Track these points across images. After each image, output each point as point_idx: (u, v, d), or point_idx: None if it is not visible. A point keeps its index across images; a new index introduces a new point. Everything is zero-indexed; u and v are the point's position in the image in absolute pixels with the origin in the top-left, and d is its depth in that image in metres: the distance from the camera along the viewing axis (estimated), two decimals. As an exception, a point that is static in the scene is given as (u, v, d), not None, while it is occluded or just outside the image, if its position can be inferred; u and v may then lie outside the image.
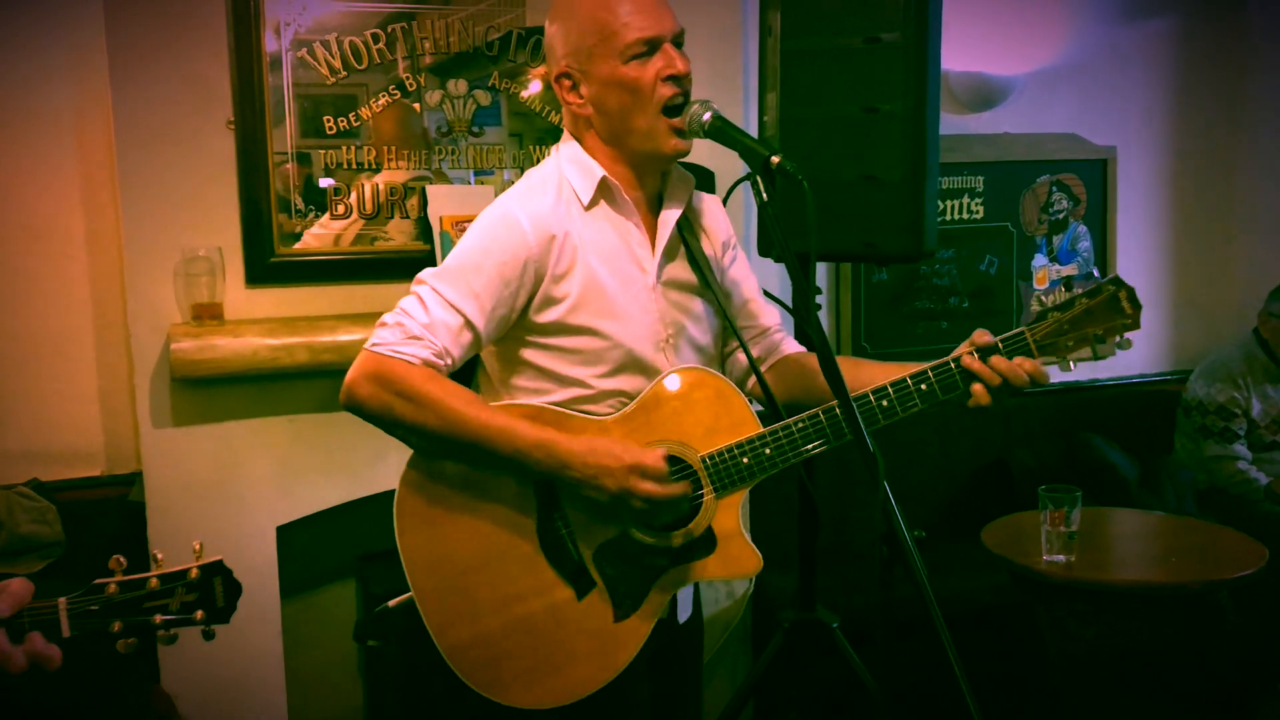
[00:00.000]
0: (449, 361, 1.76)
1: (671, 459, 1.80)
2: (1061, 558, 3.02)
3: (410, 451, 1.84)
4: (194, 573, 1.47)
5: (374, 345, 1.74)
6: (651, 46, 1.79)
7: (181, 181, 2.98)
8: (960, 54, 4.16)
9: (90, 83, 3.13)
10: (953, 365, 1.77)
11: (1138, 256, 4.71)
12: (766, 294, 2.17)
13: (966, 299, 4.35)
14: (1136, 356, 4.73)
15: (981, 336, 1.79)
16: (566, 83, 1.85)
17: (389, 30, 3.13)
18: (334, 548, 3.40)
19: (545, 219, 1.80)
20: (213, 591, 1.48)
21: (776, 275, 3.65)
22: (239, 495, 3.03)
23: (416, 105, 3.20)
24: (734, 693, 3.28)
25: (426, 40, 3.18)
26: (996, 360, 1.75)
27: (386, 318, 1.77)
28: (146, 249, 2.95)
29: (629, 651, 1.82)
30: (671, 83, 1.79)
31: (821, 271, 4.14)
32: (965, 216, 4.36)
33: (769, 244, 2.90)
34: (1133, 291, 1.81)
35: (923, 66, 2.65)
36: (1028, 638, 3.38)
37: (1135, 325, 1.81)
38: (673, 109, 1.81)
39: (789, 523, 3.12)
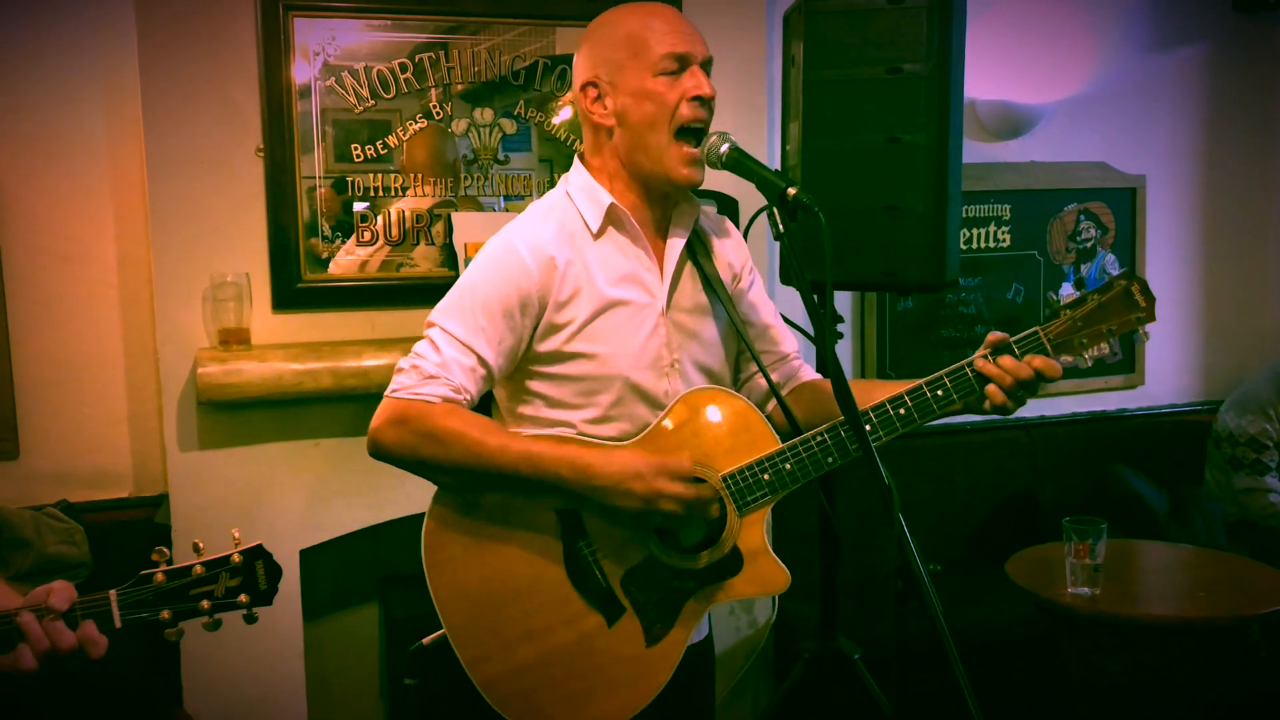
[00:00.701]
0: (467, 397, 1.79)
1: (693, 480, 1.81)
2: (1086, 590, 2.98)
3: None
4: (236, 558, 1.52)
5: (393, 391, 1.78)
6: (682, 64, 1.82)
7: (211, 207, 3.02)
8: (987, 83, 4.17)
9: (123, 110, 3.19)
10: (967, 369, 1.79)
11: (1167, 286, 4.67)
12: (789, 322, 2.17)
13: (993, 328, 4.31)
14: (1165, 386, 4.69)
15: (996, 337, 1.81)
16: (592, 92, 1.87)
17: (416, 60, 3.17)
18: (357, 571, 3.42)
19: (546, 247, 1.81)
20: (255, 575, 1.53)
21: (800, 304, 3.65)
22: (263, 518, 3.06)
23: (450, 130, 3.23)
24: (755, 723, 3.26)
25: (454, 69, 3.21)
26: (1005, 359, 1.77)
27: (402, 363, 1.80)
28: (176, 274, 3.00)
29: (663, 676, 1.83)
30: (697, 104, 1.82)
31: (846, 300, 4.13)
32: (992, 245, 4.35)
33: (790, 274, 2.91)
34: (1145, 284, 1.80)
35: (945, 97, 2.66)
36: (1053, 671, 3.34)
37: (1150, 318, 1.80)
38: (688, 133, 1.82)
39: (811, 552, 3.10)
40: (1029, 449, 4.29)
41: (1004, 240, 4.37)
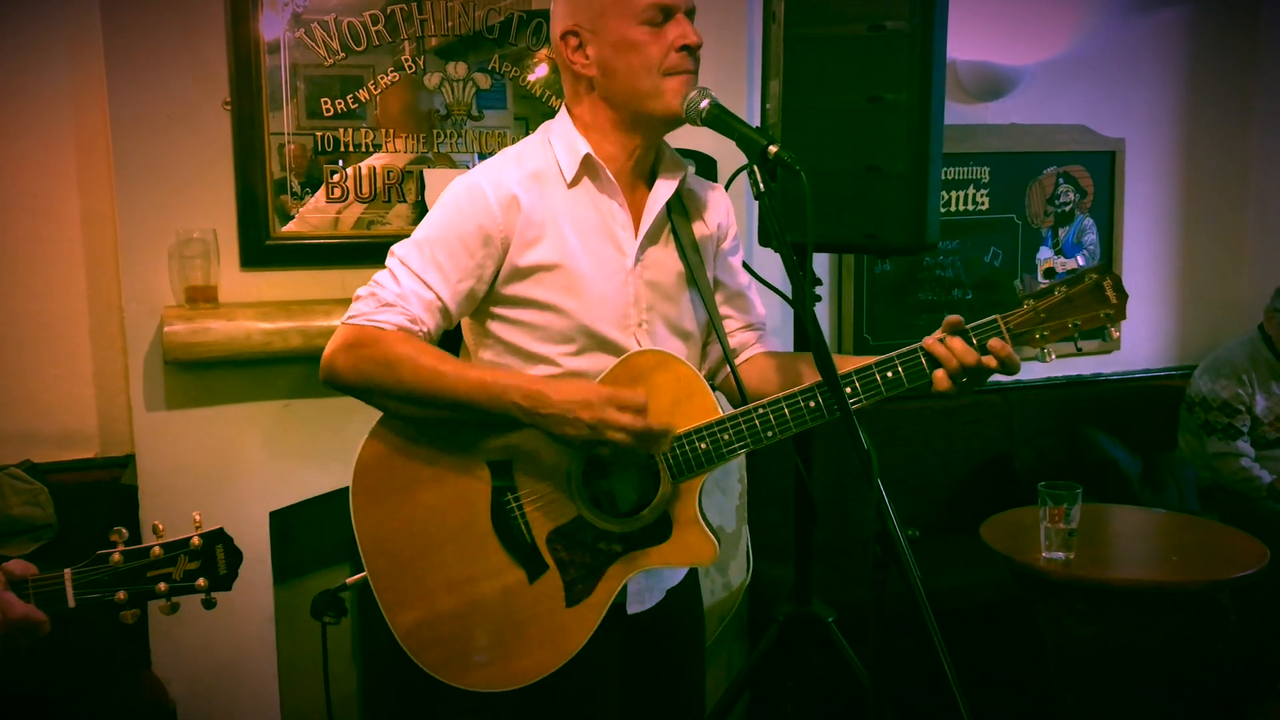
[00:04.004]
0: (423, 329, 1.76)
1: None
2: (1060, 555, 2.99)
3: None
4: (196, 541, 1.51)
5: (349, 318, 1.76)
6: (666, 14, 1.76)
7: (178, 163, 2.95)
8: (969, 43, 4.13)
9: (87, 61, 3.11)
10: (920, 352, 1.74)
11: (1144, 250, 4.67)
12: (764, 283, 2.14)
13: (970, 291, 4.32)
14: (1141, 351, 4.70)
15: (954, 320, 1.75)
16: (573, 40, 1.80)
17: (388, 11, 3.10)
18: (327, 533, 3.38)
19: (509, 187, 1.78)
20: (214, 559, 1.52)
21: (778, 265, 3.61)
22: (232, 479, 3.02)
23: (423, 85, 3.16)
24: (728, 685, 3.26)
25: (427, 22, 3.14)
26: (955, 342, 1.72)
27: (360, 291, 1.79)
28: (141, 230, 2.93)
29: (579, 638, 1.80)
30: (684, 54, 1.77)
31: (824, 262, 4.10)
32: (970, 208, 4.32)
33: (769, 234, 2.87)
34: (1118, 280, 1.73)
35: (928, 56, 2.61)
36: (1027, 635, 3.35)
37: (1120, 316, 1.72)
38: (674, 74, 1.78)
39: (786, 516, 3.10)
40: (1005, 413, 4.29)
41: (983, 203, 4.35)
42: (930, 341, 1.73)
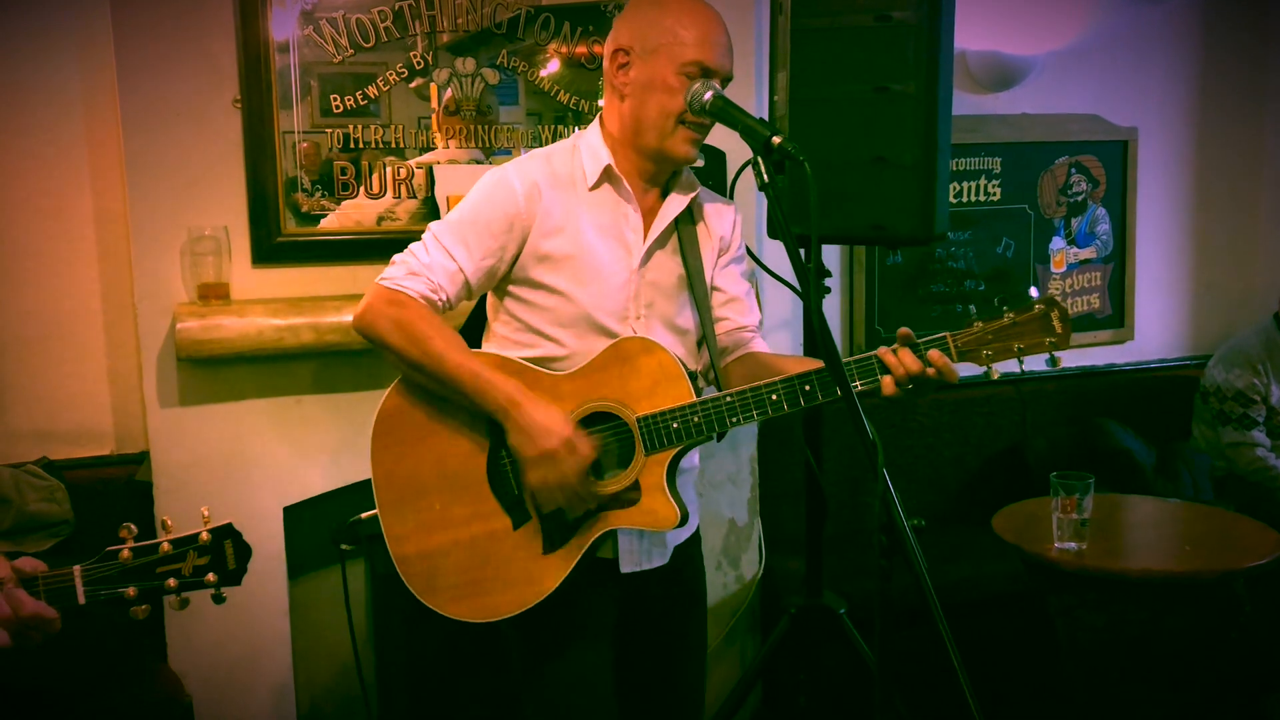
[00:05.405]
0: (444, 298, 2.00)
1: (609, 415, 2.00)
2: (1073, 545, 2.98)
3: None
4: (204, 536, 1.53)
5: (383, 279, 2.00)
6: (706, 75, 1.97)
7: (189, 160, 2.97)
8: (978, 33, 4.11)
9: (97, 61, 3.13)
10: (874, 360, 1.91)
11: (1157, 239, 4.65)
12: (775, 276, 2.17)
13: (982, 282, 4.31)
14: (1154, 341, 4.68)
15: (904, 333, 1.92)
16: (621, 58, 2.02)
17: (397, 8, 3.10)
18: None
19: (537, 183, 2.00)
20: (224, 554, 1.54)
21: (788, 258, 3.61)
22: (246, 475, 3.03)
23: (433, 84, 3.17)
24: (741, 676, 3.27)
25: (436, 18, 3.15)
26: (904, 352, 1.89)
27: (396, 256, 2.03)
28: (153, 228, 2.95)
29: (552, 581, 1.99)
30: (704, 113, 1.97)
31: (835, 254, 4.10)
32: (982, 199, 4.31)
33: (776, 227, 2.87)
34: (1065, 311, 1.87)
35: (935, 46, 2.61)
36: (1039, 626, 3.35)
37: (1065, 344, 1.87)
38: (690, 125, 1.99)
39: (798, 509, 3.10)
40: (1018, 404, 4.28)
41: (994, 194, 4.33)
42: (883, 351, 1.91)
